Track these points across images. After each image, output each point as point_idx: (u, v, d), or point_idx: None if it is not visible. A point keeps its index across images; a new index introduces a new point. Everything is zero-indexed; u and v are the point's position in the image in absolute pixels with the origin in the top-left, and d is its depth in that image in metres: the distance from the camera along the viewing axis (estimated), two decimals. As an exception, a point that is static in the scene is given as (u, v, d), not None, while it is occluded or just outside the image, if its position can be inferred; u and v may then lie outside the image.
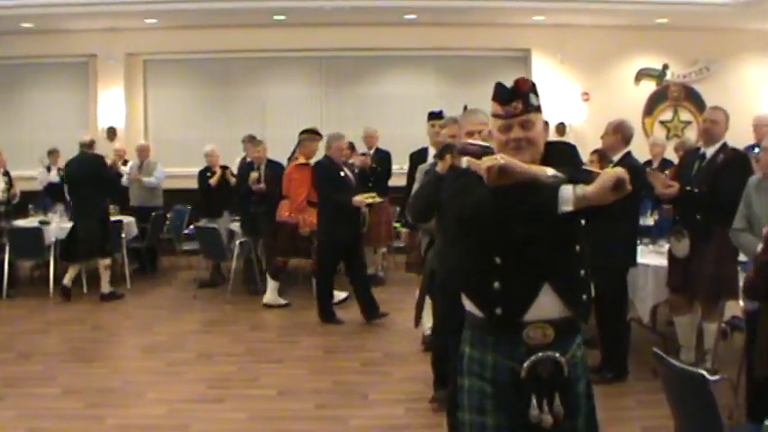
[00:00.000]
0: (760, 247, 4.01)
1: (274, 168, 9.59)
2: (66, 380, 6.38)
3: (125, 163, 11.51)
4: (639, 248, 6.43)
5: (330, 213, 8.09)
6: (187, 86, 13.51)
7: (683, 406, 3.47)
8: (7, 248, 9.52)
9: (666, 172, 6.66)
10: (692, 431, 3.50)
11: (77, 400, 5.89)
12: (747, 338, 4.76)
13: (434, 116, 7.42)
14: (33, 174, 11.75)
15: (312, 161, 8.71)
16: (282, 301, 8.97)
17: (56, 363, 6.92)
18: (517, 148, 2.77)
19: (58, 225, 9.80)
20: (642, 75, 13.29)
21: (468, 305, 2.90)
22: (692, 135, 12.17)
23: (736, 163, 5.77)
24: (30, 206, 10.75)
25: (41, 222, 9.79)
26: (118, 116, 13.13)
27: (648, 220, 8.95)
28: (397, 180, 9.78)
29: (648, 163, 9.61)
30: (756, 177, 5.07)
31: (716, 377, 3.29)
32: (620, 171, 2.51)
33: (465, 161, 2.81)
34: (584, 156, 3.91)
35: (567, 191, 2.54)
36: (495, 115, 2.86)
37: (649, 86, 13.32)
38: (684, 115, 13.25)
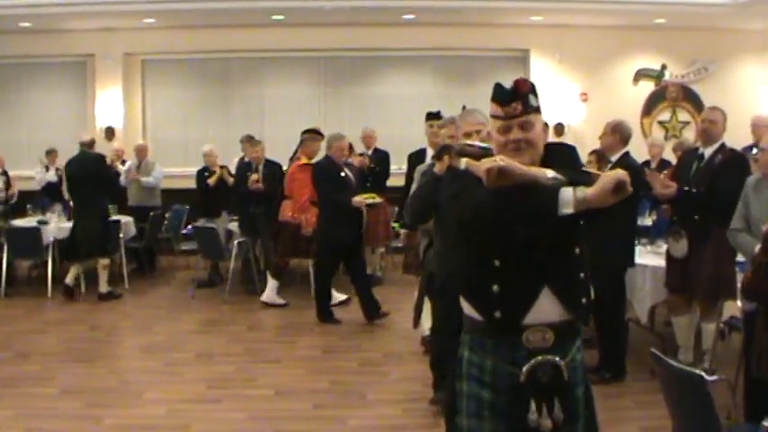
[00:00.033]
0: (758, 247, 4.01)
1: (273, 168, 9.60)
2: (64, 380, 6.37)
3: (123, 163, 11.51)
4: (637, 249, 6.44)
5: (330, 214, 8.09)
6: (185, 86, 13.49)
7: (681, 406, 3.47)
8: (5, 248, 9.52)
9: (665, 172, 6.67)
10: (690, 431, 3.50)
11: (75, 400, 5.88)
12: (745, 339, 4.76)
13: (432, 117, 7.42)
14: (31, 174, 11.74)
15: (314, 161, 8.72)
16: (280, 301, 8.97)
17: (54, 362, 6.91)
18: (516, 149, 2.74)
19: (56, 225, 9.79)
20: (641, 75, 13.30)
21: (467, 308, 2.86)
22: (690, 135, 12.18)
23: (735, 163, 5.78)
24: (28, 206, 10.74)
25: (39, 222, 9.78)
26: (116, 116, 13.11)
27: (647, 221, 8.96)
28: (396, 180, 9.78)
29: (647, 163, 9.61)
30: (754, 178, 5.07)
31: (714, 377, 3.29)
32: (621, 173, 2.49)
33: (463, 163, 2.79)
34: (583, 156, 3.90)
35: (567, 193, 2.51)
36: (495, 116, 2.82)
37: (648, 87, 13.33)
38: (683, 115, 13.26)
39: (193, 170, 10.77)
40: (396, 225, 10.31)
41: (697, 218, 5.81)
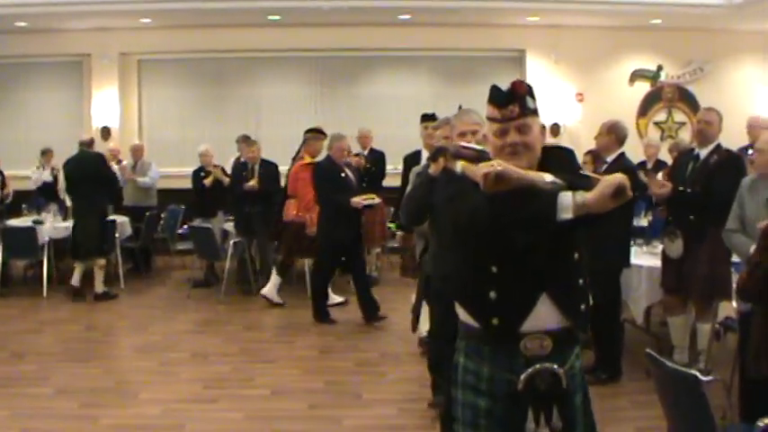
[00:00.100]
0: (753, 248, 4.02)
1: (268, 168, 9.60)
2: (59, 380, 6.37)
3: (118, 162, 11.49)
4: (633, 249, 6.45)
5: (330, 214, 8.09)
6: (181, 86, 13.48)
7: (676, 406, 3.48)
8: (0, 248, 9.50)
9: (660, 173, 6.68)
10: (685, 431, 3.51)
11: (71, 400, 5.88)
12: (740, 339, 4.77)
13: (427, 118, 7.40)
14: (27, 173, 11.72)
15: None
16: (278, 299, 8.96)
17: (49, 362, 6.90)
18: (514, 152, 2.69)
19: (51, 225, 9.79)
20: (636, 75, 13.30)
21: (463, 315, 2.81)
22: (686, 136, 12.19)
23: (730, 164, 5.80)
24: (23, 206, 10.72)
25: (35, 222, 9.77)
26: (112, 116, 13.09)
27: (642, 221, 8.97)
28: (392, 180, 9.77)
29: (642, 164, 9.62)
30: (750, 178, 5.08)
31: (709, 378, 3.29)
32: (621, 177, 2.46)
33: (459, 166, 2.74)
34: (578, 156, 3.89)
35: (566, 198, 2.48)
36: (491, 119, 2.77)
37: (643, 87, 13.34)
38: (678, 116, 13.28)
39: (189, 170, 10.76)
40: (392, 225, 10.31)
41: (692, 218, 5.82)
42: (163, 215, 11.25)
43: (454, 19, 12.39)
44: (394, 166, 10.12)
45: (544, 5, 11.88)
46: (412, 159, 7.86)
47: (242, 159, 9.99)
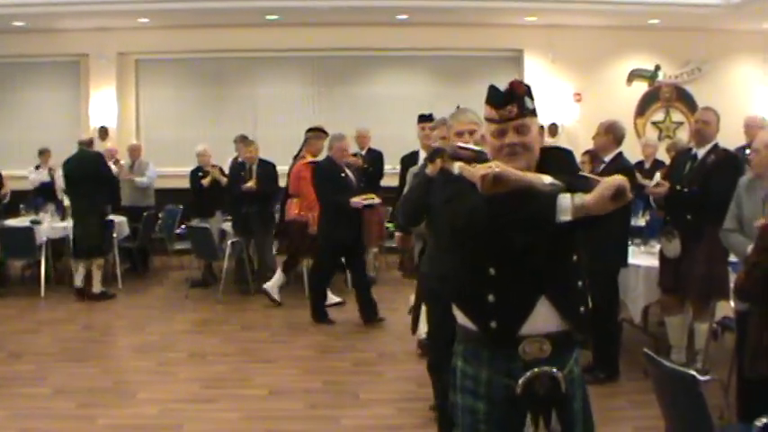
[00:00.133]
0: (750, 247, 4.02)
1: (266, 168, 9.59)
2: (57, 380, 6.36)
3: (115, 162, 11.47)
4: (631, 249, 6.44)
5: (330, 214, 8.08)
6: (179, 86, 13.47)
7: (673, 406, 3.48)
8: (-2, 248, 9.50)
9: (658, 173, 6.68)
10: (682, 431, 3.51)
11: (69, 400, 5.87)
12: (738, 339, 4.77)
13: (424, 119, 7.40)
14: (24, 173, 11.71)
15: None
16: (276, 297, 8.95)
17: (47, 362, 6.89)
18: (512, 153, 2.66)
19: (49, 224, 9.77)
20: (634, 75, 13.32)
21: (461, 318, 2.79)
22: (683, 136, 12.20)
23: (728, 163, 5.80)
24: (21, 206, 10.71)
25: (33, 222, 9.76)
26: (110, 116, 13.09)
27: (640, 221, 8.97)
28: (390, 180, 9.79)
29: (640, 164, 9.63)
30: (747, 178, 5.08)
31: (706, 377, 3.30)
32: (621, 179, 2.42)
33: (457, 167, 2.69)
34: (576, 156, 3.89)
35: (565, 200, 2.44)
36: (489, 119, 2.73)
37: (641, 87, 13.35)
38: (676, 116, 13.29)
39: (187, 170, 10.75)
40: (390, 225, 10.31)
41: (690, 218, 5.83)
42: (160, 215, 11.24)
43: (452, 19, 12.40)
44: (392, 166, 10.13)
45: (542, 5, 11.88)
46: (409, 160, 7.87)
47: (240, 159, 9.98)
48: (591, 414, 2.85)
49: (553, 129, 12.80)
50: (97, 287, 9.38)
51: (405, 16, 12.39)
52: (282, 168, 9.79)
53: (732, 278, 5.36)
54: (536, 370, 2.64)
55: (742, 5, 11.31)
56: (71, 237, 9.52)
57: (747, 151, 6.47)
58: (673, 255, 5.91)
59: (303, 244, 8.86)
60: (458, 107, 4.71)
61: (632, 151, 7.72)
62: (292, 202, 9.00)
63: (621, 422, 5.28)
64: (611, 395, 5.74)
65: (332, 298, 8.66)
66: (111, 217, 10.11)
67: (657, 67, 13.25)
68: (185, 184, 10.67)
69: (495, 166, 2.46)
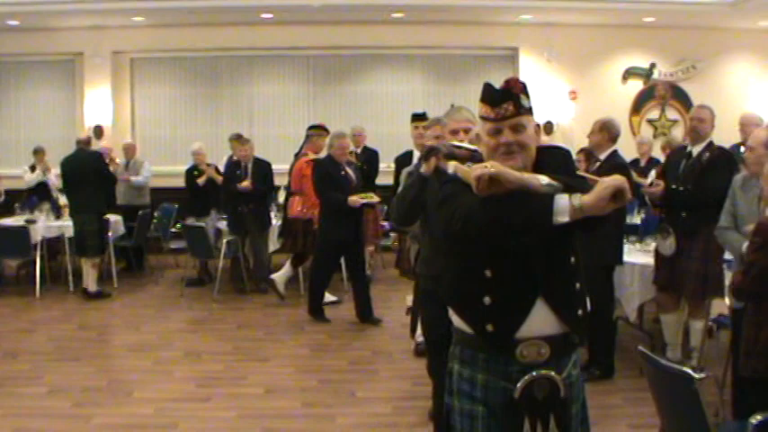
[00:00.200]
0: (745, 245, 4.02)
1: (261, 167, 9.59)
2: (52, 379, 6.35)
3: (111, 161, 11.46)
4: (626, 247, 6.46)
5: (329, 213, 8.07)
6: (174, 85, 13.43)
7: (669, 404, 3.48)
8: (-7, 247, 9.48)
9: (653, 171, 6.69)
10: (678, 429, 3.52)
11: (64, 399, 5.87)
12: (733, 336, 4.78)
13: (417, 118, 7.39)
14: (19, 172, 11.68)
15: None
16: (282, 290, 8.95)
17: (42, 362, 6.88)
18: (508, 152, 2.60)
19: (44, 224, 9.76)
20: (629, 73, 13.31)
21: (457, 320, 2.73)
22: (678, 134, 12.23)
23: (722, 161, 5.81)
24: (16, 205, 10.69)
25: (27, 221, 9.73)
26: (105, 115, 13.04)
27: (635, 219, 8.98)
28: (385, 179, 9.78)
29: (635, 162, 9.64)
30: (741, 176, 5.09)
31: (702, 375, 3.29)
32: (620, 180, 2.37)
33: (452, 167, 2.66)
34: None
35: (562, 201, 2.38)
36: (484, 118, 2.66)
37: (637, 85, 13.35)
38: (671, 114, 13.29)
39: (182, 169, 10.75)
40: (385, 223, 10.31)
41: (685, 215, 5.83)
42: (156, 214, 11.25)
43: (447, 17, 12.40)
44: (387, 165, 10.12)
45: (537, 3, 11.88)
46: (403, 160, 7.88)
47: (235, 158, 9.97)
48: (588, 417, 2.82)
49: (548, 127, 12.80)
50: (92, 286, 9.37)
51: (400, 14, 12.38)
52: (278, 167, 9.77)
53: (727, 276, 5.37)
54: (534, 373, 2.60)
55: (737, 3, 11.32)
56: (67, 236, 9.49)
57: (742, 149, 6.48)
58: (668, 252, 5.91)
59: (306, 241, 8.85)
60: (452, 105, 4.69)
61: (627, 149, 7.74)
62: (295, 200, 9.00)
63: (617, 419, 5.29)
64: (607, 393, 5.75)
65: (327, 297, 8.65)
66: (106, 216, 10.11)
67: (652, 65, 13.25)
68: (180, 182, 10.66)
69: (490, 167, 2.42)
